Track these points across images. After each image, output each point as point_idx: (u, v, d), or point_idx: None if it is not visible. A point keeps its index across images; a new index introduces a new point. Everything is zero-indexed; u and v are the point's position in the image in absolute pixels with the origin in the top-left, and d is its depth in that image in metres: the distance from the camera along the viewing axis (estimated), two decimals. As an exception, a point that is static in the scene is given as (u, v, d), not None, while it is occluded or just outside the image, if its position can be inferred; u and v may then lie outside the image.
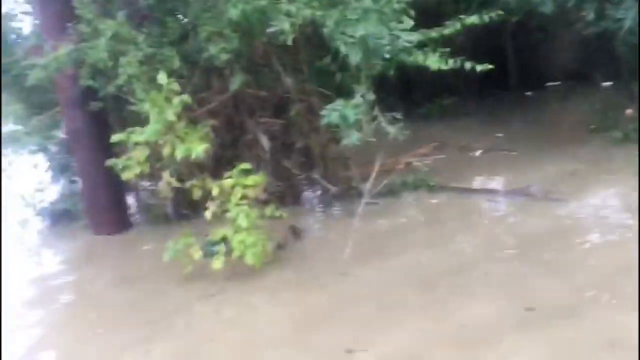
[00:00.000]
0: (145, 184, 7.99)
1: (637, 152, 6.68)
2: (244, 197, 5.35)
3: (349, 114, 4.86)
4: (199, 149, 5.06)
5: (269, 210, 5.52)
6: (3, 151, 8.01)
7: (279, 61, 6.52)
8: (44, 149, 8.17)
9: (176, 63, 5.67)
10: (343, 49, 4.98)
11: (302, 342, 4.04)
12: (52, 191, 8.31)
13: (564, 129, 9.50)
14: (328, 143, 6.98)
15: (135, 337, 4.48)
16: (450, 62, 5.33)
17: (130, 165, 5.34)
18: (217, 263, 5.07)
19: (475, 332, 3.78)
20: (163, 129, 5.10)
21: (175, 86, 5.12)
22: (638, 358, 3.20)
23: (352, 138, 4.97)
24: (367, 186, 5.99)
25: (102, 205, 7.39)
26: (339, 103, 5.01)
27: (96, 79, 6.21)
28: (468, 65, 5.38)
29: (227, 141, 7.09)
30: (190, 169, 5.77)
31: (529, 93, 12.89)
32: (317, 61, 6.70)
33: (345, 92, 5.98)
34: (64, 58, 5.77)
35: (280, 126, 7.21)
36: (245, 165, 5.41)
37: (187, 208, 7.40)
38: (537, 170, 7.33)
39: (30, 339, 4.87)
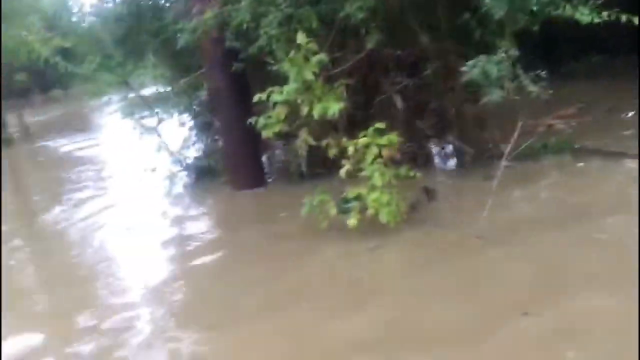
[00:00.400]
0: (279, 142, 8.27)
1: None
2: (378, 156, 5.38)
3: (492, 70, 4.67)
4: (336, 107, 5.12)
5: (402, 170, 5.49)
6: (155, 109, 8.60)
7: (415, 19, 6.37)
8: (189, 109, 8.67)
9: (314, 23, 5.72)
10: (487, 2, 4.75)
11: (467, 301, 3.98)
12: (196, 148, 8.83)
13: None
14: (464, 103, 6.77)
15: (280, 288, 4.74)
16: (604, 14, 4.92)
17: (270, 124, 5.53)
18: (353, 220, 5.16)
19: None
20: (301, 88, 5.21)
21: (313, 46, 5.18)
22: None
23: (493, 95, 4.77)
24: (506, 148, 5.75)
25: (241, 162, 7.77)
26: (481, 59, 4.81)
27: (239, 40, 6.41)
28: (623, 18, 4.94)
29: (360, 101, 7.10)
30: (325, 127, 5.85)
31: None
32: (455, 18, 6.47)
33: (484, 50, 5.76)
34: (211, 21, 6.05)
35: (414, 86, 7.10)
36: (380, 125, 5.39)
37: (319, 167, 7.59)
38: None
39: (177, 291, 5.24)
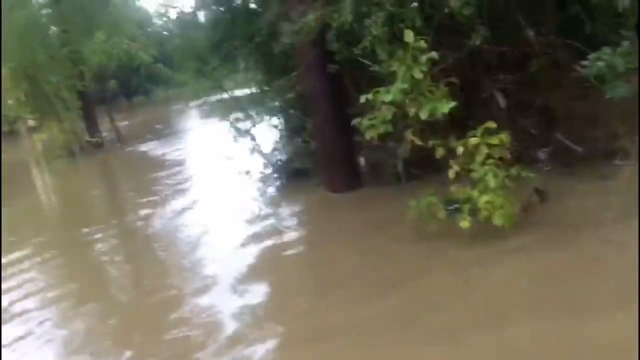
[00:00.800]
0: (374, 144, 8.17)
1: None
2: (488, 156, 5.20)
3: (618, 63, 4.39)
4: (446, 107, 4.98)
5: (515, 170, 5.27)
6: (249, 111, 8.72)
7: (520, 13, 6.12)
8: (281, 111, 8.73)
9: (418, 21, 5.60)
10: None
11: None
12: (289, 151, 8.88)
13: None
14: (573, 99, 6.45)
15: (371, 292, 4.68)
16: None
17: (374, 125, 5.44)
18: (465, 222, 5.01)
19: None
20: (409, 88, 5.10)
21: (422, 44, 5.06)
22: None
23: (618, 90, 4.50)
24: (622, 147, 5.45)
25: (336, 163, 7.75)
26: (605, 51, 4.54)
27: (338, 42, 6.38)
28: None
29: (461, 100, 6.91)
30: (430, 128, 5.72)
31: None
32: (562, 11, 6.20)
33: (594, 44, 5.49)
34: (313, 23, 6.04)
35: (516, 83, 6.84)
36: (490, 124, 5.21)
37: (417, 168, 7.46)
38: None
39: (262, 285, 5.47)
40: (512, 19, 6.20)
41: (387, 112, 5.24)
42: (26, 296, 6.33)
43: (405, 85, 5.03)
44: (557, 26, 6.27)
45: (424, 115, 5.03)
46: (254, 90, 9.18)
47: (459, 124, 6.22)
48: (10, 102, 21.37)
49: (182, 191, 10.30)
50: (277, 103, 8.50)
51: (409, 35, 5.07)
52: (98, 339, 5.03)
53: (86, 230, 8.75)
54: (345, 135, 7.72)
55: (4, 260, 7.71)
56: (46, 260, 7.70)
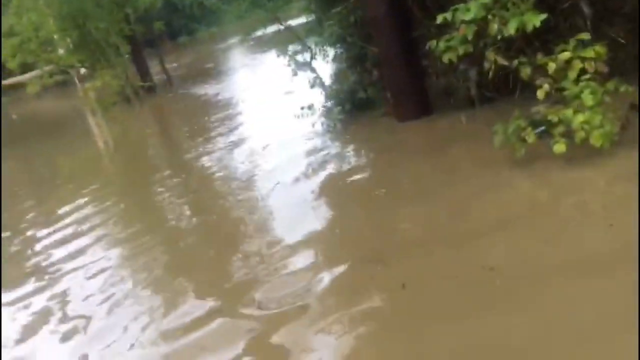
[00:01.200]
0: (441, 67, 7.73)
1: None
2: (582, 72, 4.76)
3: None
4: (536, 19, 4.51)
5: (610, 84, 4.82)
6: (306, 43, 8.36)
7: None
8: (341, 40, 8.31)
9: None
10: None
11: None
12: (351, 81, 8.52)
13: None
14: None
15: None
16: None
17: (452, 46, 5.04)
18: (560, 146, 4.63)
19: None
20: (491, 2, 4.65)
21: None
22: None
23: None
24: None
25: (404, 91, 7.38)
26: None
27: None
28: None
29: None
30: (511, 45, 5.28)
31: None
32: None
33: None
34: None
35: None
36: (584, 35, 4.73)
37: (491, 90, 7.03)
38: None
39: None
40: None
41: (467, 31, 4.81)
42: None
43: (487, 0, 4.57)
44: None
45: (511, 31, 4.58)
46: (310, 19, 8.71)
47: (538, 38, 5.77)
48: (60, 51, 21.48)
49: (242, 131, 10.17)
50: (336, 31, 8.05)
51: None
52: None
53: (150, 176, 8.82)
54: (411, 60, 7.32)
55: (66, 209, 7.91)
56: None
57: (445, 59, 5.15)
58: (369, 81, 8.27)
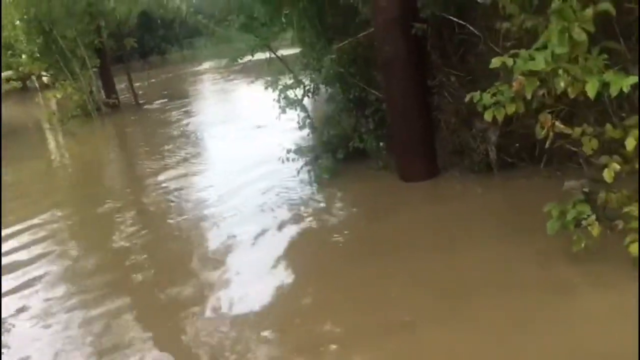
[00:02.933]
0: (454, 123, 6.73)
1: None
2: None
3: None
4: (625, 82, 3.49)
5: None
6: (301, 79, 7.29)
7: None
8: (340, 79, 7.26)
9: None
10: None
11: None
12: (346, 126, 7.43)
13: None
14: None
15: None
16: None
17: (502, 103, 4.00)
18: (636, 247, 3.59)
19: None
20: (566, 54, 3.63)
21: (586, -7, 3.58)
22: None
23: None
24: None
25: (411, 146, 6.35)
26: None
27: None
28: None
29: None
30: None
31: None
32: None
33: None
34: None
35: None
36: (671, 108, 3.76)
37: (512, 156, 6.06)
38: None
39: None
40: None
41: (527, 86, 3.78)
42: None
43: (564, 50, 3.55)
44: None
45: (591, 94, 3.56)
46: (306, 51, 7.66)
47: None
48: (23, 57, 20.10)
49: (208, 166, 8.98)
50: (335, 69, 7.00)
51: (569, -21, 3.57)
52: None
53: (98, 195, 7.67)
54: (423, 112, 6.31)
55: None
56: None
57: (489, 116, 4.09)
58: (368, 129, 7.19)
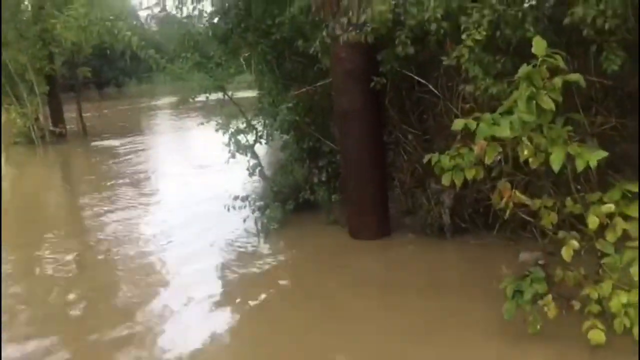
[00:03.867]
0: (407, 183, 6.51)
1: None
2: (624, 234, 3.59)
3: None
4: (592, 158, 3.32)
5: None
6: (254, 123, 7.00)
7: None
8: (295, 127, 7.00)
9: (531, 29, 3.99)
10: None
11: None
12: (298, 176, 7.13)
13: None
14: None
15: None
16: None
17: (461, 165, 3.78)
18: (598, 335, 3.35)
19: None
20: (533, 123, 3.44)
21: (559, 60, 3.42)
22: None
23: None
24: None
25: (364, 203, 6.07)
26: None
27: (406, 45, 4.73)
28: None
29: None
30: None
31: None
32: None
33: None
34: (385, 16, 4.34)
35: (613, 130, 5.29)
36: (635, 186, 3.60)
37: (466, 221, 5.87)
38: None
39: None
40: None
41: (489, 151, 3.56)
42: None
43: (532, 118, 3.36)
44: None
45: (555, 167, 3.36)
46: (262, 96, 7.39)
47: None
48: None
49: (149, 209, 8.48)
50: (289, 117, 6.75)
51: (539, 45, 3.41)
52: None
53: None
54: (378, 168, 6.08)
55: None
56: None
57: (447, 180, 3.85)
58: (320, 180, 6.91)
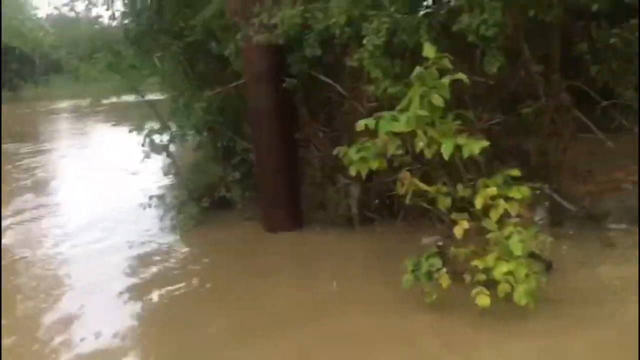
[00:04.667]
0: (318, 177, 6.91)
1: None
2: (505, 213, 4.15)
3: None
4: (476, 147, 3.84)
5: (530, 232, 4.25)
6: (168, 125, 7.14)
7: (528, 44, 5.24)
8: (209, 127, 7.23)
9: (425, 36, 4.49)
10: None
11: None
12: (213, 175, 7.35)
13: None
14: (566, 148, 5.65)
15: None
16: None
17: (366, 159, 4.20)
18: (484, 299, 3.87)
19: None
20: (425, 117, 3.93)
21: (447, 62, 3.92)
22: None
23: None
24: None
25: (276, 198, 6.42)
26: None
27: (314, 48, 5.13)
28: None
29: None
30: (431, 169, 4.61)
31: None
32: (570, 48, 5.42)
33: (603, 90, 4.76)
34: (294, 20, 4.70)
35: (500, 125, 5.94)
36: (514, 172, 4.17)
37: (372, 211, 6.34)
38: None
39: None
40: (516, 50, 5.27)
41: (390, 144, 4.01)
42: None
43: (425, 113, 3.84)
44: (560, 65, 5.44)
45: (445, 155, 3.86)
46: (176, 97, 7.54)
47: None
48: None
49: (60, 208, 8.38)
50: (203, 117, 6.96)
51: (429, 48, 3.91)
52: None
53: None
54: (290, 164, 6.44)
55: None
56: None
57: (354, 171, 4.28)
58: (234, 178, 7.17)
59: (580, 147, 5.98)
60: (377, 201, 6.33)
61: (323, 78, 6.03)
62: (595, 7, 4.33)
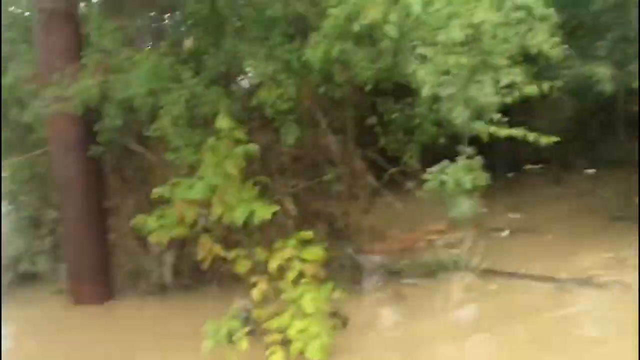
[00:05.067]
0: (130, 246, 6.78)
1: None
2: (301, 274, 4.43)
3: (465, 180, 4.03)
4: (267, 212, 4.09)
5: (325, 290, 4.55)
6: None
7: (324, 116, 5.73)
8: (13, 197, 6.84)
9: (225, 106, 4.75)
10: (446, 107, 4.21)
11: None
12: (17, 247, 6.90)
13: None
14: (365, 212, 6.17)
15: None
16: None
17: (166, 226, 4.28)
18: (276, 357, 4.04)
19: None
20: (221, 185, 4.12)
21: (239, 133, 4.18)
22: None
23: (462, 208, 4.15)
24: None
25: (84, 269, 6.19)
26: (447, 165, 4.17)
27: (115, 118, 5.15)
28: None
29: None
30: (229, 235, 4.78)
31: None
32: (363, 121, 6.02)
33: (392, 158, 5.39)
34: (92, 90, 4.70)
35: (306, 190, 6.35)
36: (306, 234, 4.49)
37: (188, 277, 6.33)
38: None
39: None
40: (314, 121, 5.74)
41: (187, 211, 4.13)
42: None
43: (218, 181, 4.03)
44: (355, 136, 6.00)
45: (239, 220, 4.05)
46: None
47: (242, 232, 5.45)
48: None
49: None
50: (8, 186, 6.59)
51: (223, 121, 4.15)
52: None
53: None
54: (98, 234, 6.27)
55: None
56: None
57: (154, 239, 4.33)
58: (41, 250, 6.79)
59: (379, 210, 6.56)
60: (191, 266, 6.34)
61: (132, 146, 6.03)
62: (369, 87, 4.84)
